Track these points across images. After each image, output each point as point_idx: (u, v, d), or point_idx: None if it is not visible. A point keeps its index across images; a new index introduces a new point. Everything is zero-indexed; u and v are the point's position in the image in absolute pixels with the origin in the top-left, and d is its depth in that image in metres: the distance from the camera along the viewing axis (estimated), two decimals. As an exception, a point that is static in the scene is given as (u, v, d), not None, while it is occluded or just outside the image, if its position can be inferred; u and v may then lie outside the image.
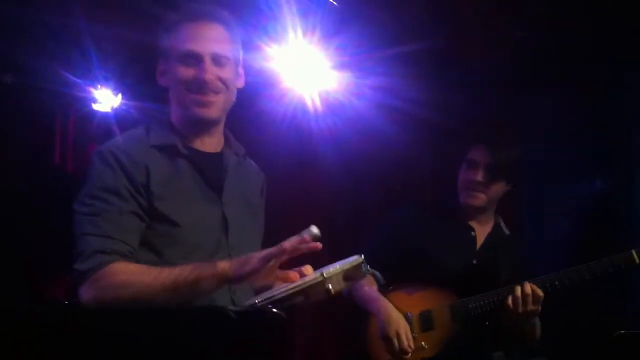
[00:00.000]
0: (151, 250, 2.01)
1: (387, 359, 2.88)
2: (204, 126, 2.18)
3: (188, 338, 1.30)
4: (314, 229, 1.85)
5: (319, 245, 1.84)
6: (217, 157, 2.22)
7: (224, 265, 1.89)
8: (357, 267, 1.87)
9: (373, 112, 3.97)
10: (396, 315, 2.87)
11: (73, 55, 3.49)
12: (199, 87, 2.10)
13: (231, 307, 1.76)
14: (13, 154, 2.47)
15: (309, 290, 1.77)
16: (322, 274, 1.77)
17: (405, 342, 2.81)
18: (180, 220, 2.03)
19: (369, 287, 2.97)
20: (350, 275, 1.85)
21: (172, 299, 1.86)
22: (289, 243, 1.83)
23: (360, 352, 2.97)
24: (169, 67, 2.15)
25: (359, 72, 3.73)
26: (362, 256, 1.90)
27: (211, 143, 2.21)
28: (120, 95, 4.20)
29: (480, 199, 3.00)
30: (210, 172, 2.16)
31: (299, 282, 1.81)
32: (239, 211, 2.19)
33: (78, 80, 3.86)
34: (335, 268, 1.82)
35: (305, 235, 1.84)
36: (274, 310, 1.47)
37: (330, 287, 1.77)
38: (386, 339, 2.85)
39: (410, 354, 2.84)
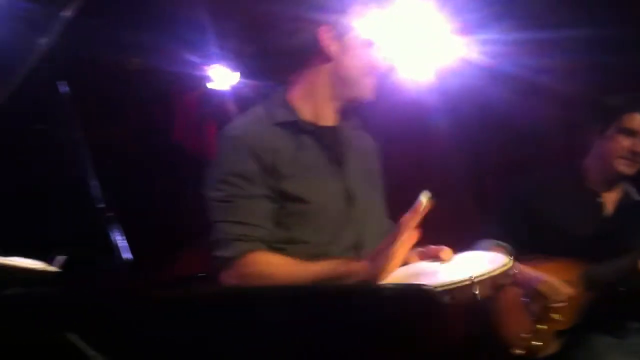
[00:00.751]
0: (282, 228, 2.04)
1: (523, 331, 2.83)
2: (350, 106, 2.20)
3: (347, 317, 1.28)
4: (424, 197, 1.82)
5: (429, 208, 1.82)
6: (336, 130, 2.21)
7: (359, 267, 1.89)
8: (506, 272, 1.80)
9: (492, 81, 3.83)
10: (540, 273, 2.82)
11: (191, 35, 3.57)
12: None
13: (388, 285, 1.74)
14: (138, 135, 2.57)
15: (455, 292, 1.70)
16: (470, 278, 1.71)
17: (564, 289, 2.77)
18: (309, 198, 2.04)
19: None
20: (498, 282, 1.78)
21: None
22: (405, 223, 1.81)
23: (488, 331, 2.92)
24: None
25: (478, 37, 3.59)
26: (512, 258, 1.84)
27: (328, 117, 2.20)
28: (238, 74, 4.28)
29: (636, 167, 2.94)
30: (331, 146, 2.16)
31: (447, 281, 1.75)
32: (362, 184, 2.18)
33: (196, 60, 3.96)
34: (483, 271, 1.75)
35: (418, 205, 1.82)
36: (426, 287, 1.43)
37: (477, 292, 1.70)
38: (537, 297, 2.80)
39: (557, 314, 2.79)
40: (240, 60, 4.13)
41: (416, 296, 1.36)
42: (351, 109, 2.26)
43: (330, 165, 2.14)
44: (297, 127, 2.12)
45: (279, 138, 2.09)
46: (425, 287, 1.53)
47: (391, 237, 1.82)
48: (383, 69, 2.14)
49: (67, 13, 2.19)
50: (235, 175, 2.02)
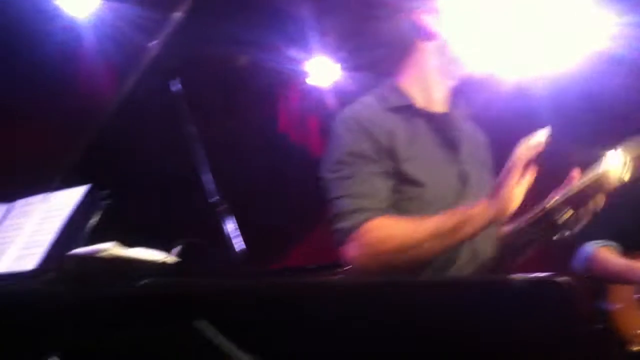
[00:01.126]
0: (398, 212, 2.01)
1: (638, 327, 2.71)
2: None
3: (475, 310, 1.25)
4: (542, 132, 1.84)
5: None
6: (447, 117, 2.18)
7: (480, 208, 1.89)
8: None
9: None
10: None
11: (291, 29, 3.60)
12: None
13: (515, 277, 1.70)
14: (248, 130, 2.64)
15: (602, 180, 1.87)
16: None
17: None
18: (425, 181, 2.02)
19: (614, 257, 2.84)
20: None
21: (434, 247, 1.88)
22: (519, 156, 1.83)
23: (607, 328, 2.81)
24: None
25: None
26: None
27: (440, 103, 2.19)
28: (338, 67, 4.29)
29: None
30: (444, 131, 2.14)
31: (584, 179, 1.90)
32: (476, 169, 2.15)
33: (297, 55, 4.00)
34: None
35: (534, 139, 1.83)
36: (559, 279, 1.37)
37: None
38: None
39: None
40: (340, 54, 4.14)
41: (549, 288, 1.30)
42: (461, 99, 2.24)
43: (444, 149, 2.12)
44: (411, 112, 2.12)
45: (393, 122, 2.08)
46: (559, 279, 1.47)
47: (506, 171, 1.82)
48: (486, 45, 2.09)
49: (178, 15, 2.26)
50: (352, 154, 2.01)
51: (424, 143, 2.09)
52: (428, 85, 2.16)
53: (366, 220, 1.94)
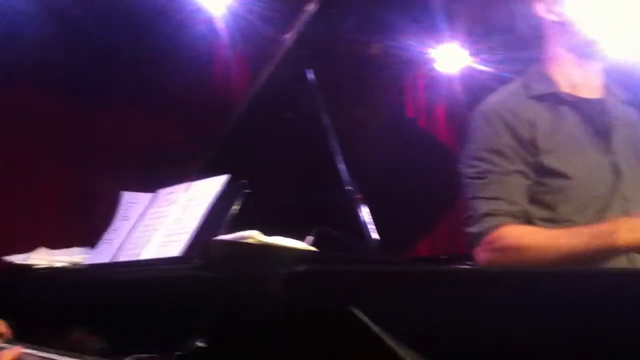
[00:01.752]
0: (544, 207, 1.95)
1: None
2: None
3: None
4: None
5: None
6: (598, 102, 2.05)
7: (620, 237, 1.76)
8: None
9: None
10: None
11: (420, 16, 3.54)
12: None
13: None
14: (381, 119, 2.63)
15: None
16: None
17: None
18: (571, 173, 1.93)
19: None
20: None
21: (564, 263, 1.79)
22: None
23: None
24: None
25: None
26: None
27: (588, 88, 2.07)
28: (466, 54, 4.19)
29: None
30: (594, 117, 2.02)
31: None
32: (632, 161, 2.01)
33: (425, 41, 3.93)
34: None
35: None
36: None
37: None
38: None
39: None
40: (469, 40, 4.03)
41: None
42: (616, 82, 2.11)
43: (594, 138, 2.00)
44: (557, 99, 2.02)
45: (536, 111, 2.00)
46: None
47: None
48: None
49: (311, 7, 2.27)
50: (489, 150, 1.98)
51: (570, 132, 1.99)
52: (569, 70, 2.05)
53: (498, 225, 1.91)
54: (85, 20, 2.85)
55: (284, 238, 1.79)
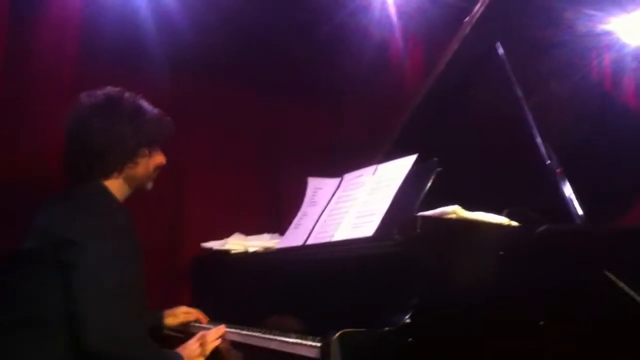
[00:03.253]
0: None
1: None
2: None
3: None
4: None
5: None
6: None
7: None
8: None
9: None
10: None
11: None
12: None
13: None
14: (571, 94, 2.47)
15: None
16: None
17: None
18: None
19: None
20: None
21: None
22: None
23: None
24: None
25: None
26: None
27: None
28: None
29: None
30: None
31: None
32: None
33: (609, 12, 3.66)
34: None
35: None
36: None
37: None
38: None
39: None
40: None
41: None
42: None
43: None
44: None
45: None
46: None
47: None
48: None
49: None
50: None
51: None
52: None
53: None
54: (259, 15, 2.93)
55: (486, 213, 1.74)
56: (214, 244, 2.77)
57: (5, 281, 2.01)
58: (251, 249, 2.64)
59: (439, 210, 1.71)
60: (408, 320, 1.57)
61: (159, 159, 2.25)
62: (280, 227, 2.83)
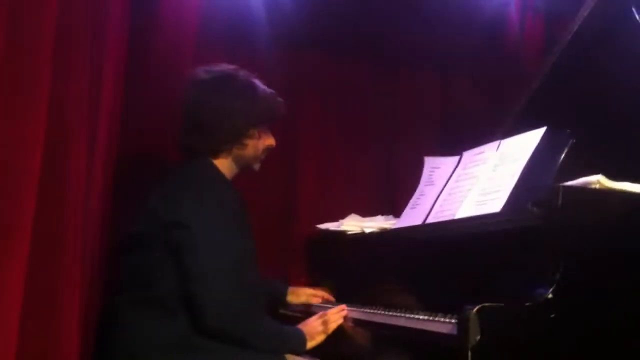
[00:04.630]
0: None
1: None
2: None
3: None
4: None
5: None
6: None
7: None
8: None
9: None
10: None
11: None
12: None
13: None
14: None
15: None
16: None
17: None
18: None
19: None
20: None
21: None
22: None
23: None
24: None
25: None
26: None
27: None
28: None
29: None
30: None
31: None
32: None
33: None
34: None
35: None
36: None
37: None
38: None
39: None
40: None
41: None
42: None
43: None
44: None
45: None
46: None
47: None
48: None
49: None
50: None
51: None
52: None
53: None
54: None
55: (632, 184, 1.62)
56: (330, 225, 2.76)
57: (126, 261, 2.06)
58: (367, 230, 2.61)
59: (580, 180, 1.61)
60: (550, 296, 1.49)
61: (268, 141, 2.24)
62: (394, 208, 2.78)
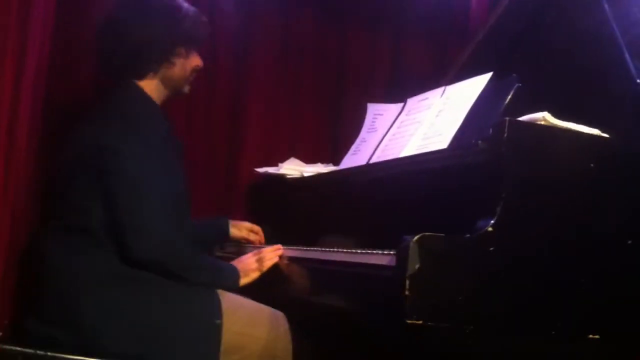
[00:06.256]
0: None
1: None
2: None
3: None
4: None
5: None
6: None
7: None
8: None
9: None
10: None
11: None
12: None
13: None
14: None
15: None
16: None
17: None
18: None
19: None
20: None
21: None
22: None
23: None
24: None
25: None
26: None
27: None
28: None
29: None
30: None
31: None
32: None
33: None
34: None
35: None
36: None
37: None
38: None
39: None
40: None
41: None
42: None
43: None
44: None
45: None
46: None
47: None
48: None
49: None
50: None
51: None
52: None
53: None
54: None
55: (577, 124, 1.63)
56: (269, 169, 2.70)
57: (53, 190, 1.99)
58: (307, 174, 2.57)
59: (526, 116, 1.60)
60: (490, 229, 1.48)
61: (195, 60, 2.17)
62: (336, 157, 2.75)
